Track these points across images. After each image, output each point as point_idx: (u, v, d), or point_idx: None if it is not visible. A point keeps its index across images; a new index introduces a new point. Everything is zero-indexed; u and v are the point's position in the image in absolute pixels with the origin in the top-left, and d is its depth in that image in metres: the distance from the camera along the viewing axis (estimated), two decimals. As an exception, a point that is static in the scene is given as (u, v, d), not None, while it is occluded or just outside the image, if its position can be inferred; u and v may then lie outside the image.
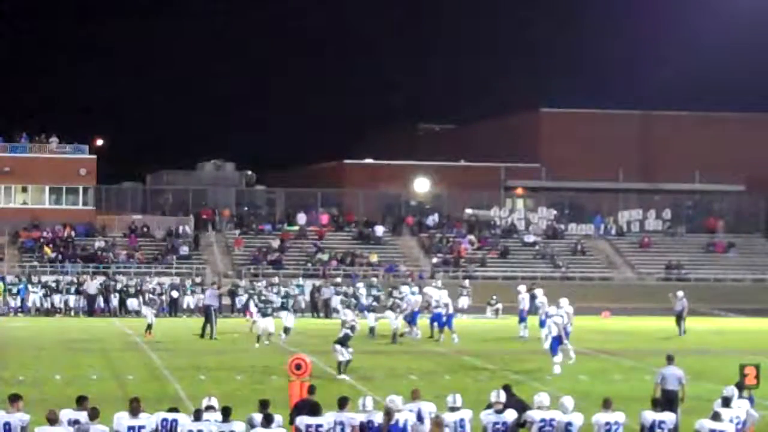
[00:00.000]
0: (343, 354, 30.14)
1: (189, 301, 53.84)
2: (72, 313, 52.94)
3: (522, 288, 44.41)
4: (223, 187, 77.37)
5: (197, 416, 16.52)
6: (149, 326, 41.53)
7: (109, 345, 38.68)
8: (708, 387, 19.81)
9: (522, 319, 42.71)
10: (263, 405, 16.86)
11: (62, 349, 37.22)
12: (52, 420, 15.82)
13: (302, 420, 16.86)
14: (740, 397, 18.54)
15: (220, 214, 68.86)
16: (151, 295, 51.20)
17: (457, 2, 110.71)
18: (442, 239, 67.80)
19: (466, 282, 56.84)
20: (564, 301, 34.38)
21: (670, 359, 22.44)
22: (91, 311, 52.99)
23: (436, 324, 41.17)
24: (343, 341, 30.56)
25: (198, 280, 56.37)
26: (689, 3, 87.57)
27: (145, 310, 45.74)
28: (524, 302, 43.04)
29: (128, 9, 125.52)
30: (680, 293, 46.19)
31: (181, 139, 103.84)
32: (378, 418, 16.96)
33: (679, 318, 45.28)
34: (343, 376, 29.58)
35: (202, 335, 41.11)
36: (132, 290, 53.78)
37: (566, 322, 33.04)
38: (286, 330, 39.70)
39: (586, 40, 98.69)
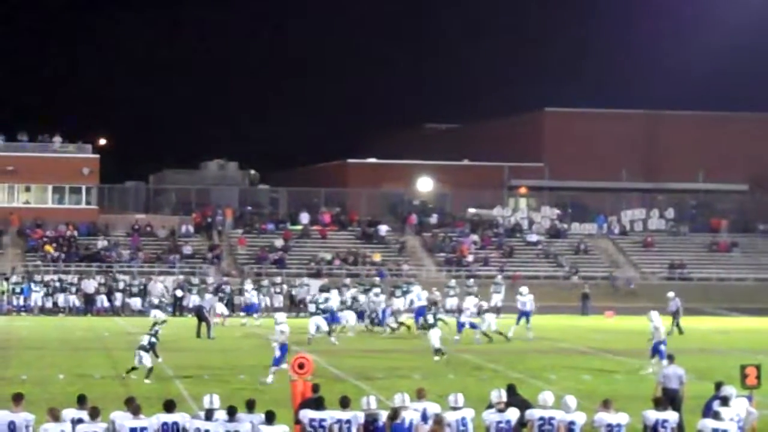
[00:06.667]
0: (147, 360, 29.27)
1: (195, 300, 53.75)
2: (75, 312, 52.96)
3: (524, 289, 44.26)
4: (227, 187, 77.42)
5: (208, 416, 16.40)
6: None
7: (111, 344, 38.71)
8: (711, 386, 19.84)
9: (520, 319, 42.64)
10: (249, 405, 16.91)
11: (65, 348, 37.28)
12: (56, 417, 15.78)
13: (305, 413, 16.87)
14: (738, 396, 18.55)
15: (223, 214, 68.76)
16: (162, 299, 51.20)
17: (460, 2, 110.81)
18: (445, 238, 67.78)
19: (471, 281, 56.87)
20: (654, 314, 32.26)
21: (670, 358, 22.48)
22: (88, 310, 53.01)
23: (421, 319, 41.32)
24: (150, 347, 29.60)
25: (196, 280, 56.28)
26: (692, 3, 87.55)
27: (154, 311, 45.60)
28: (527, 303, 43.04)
29: (131, 7, 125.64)
30: (671, 294, 46.30)
31: (185, 139, 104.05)
32: (382, 417, 16.90)
33: (674, 318, 45.14)
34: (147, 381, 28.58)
35: (197, 335, 41.26)
36: (135, 290, 53.78)
37: (662, 338, 31.84)
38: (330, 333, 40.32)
39: (590, 39, 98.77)
